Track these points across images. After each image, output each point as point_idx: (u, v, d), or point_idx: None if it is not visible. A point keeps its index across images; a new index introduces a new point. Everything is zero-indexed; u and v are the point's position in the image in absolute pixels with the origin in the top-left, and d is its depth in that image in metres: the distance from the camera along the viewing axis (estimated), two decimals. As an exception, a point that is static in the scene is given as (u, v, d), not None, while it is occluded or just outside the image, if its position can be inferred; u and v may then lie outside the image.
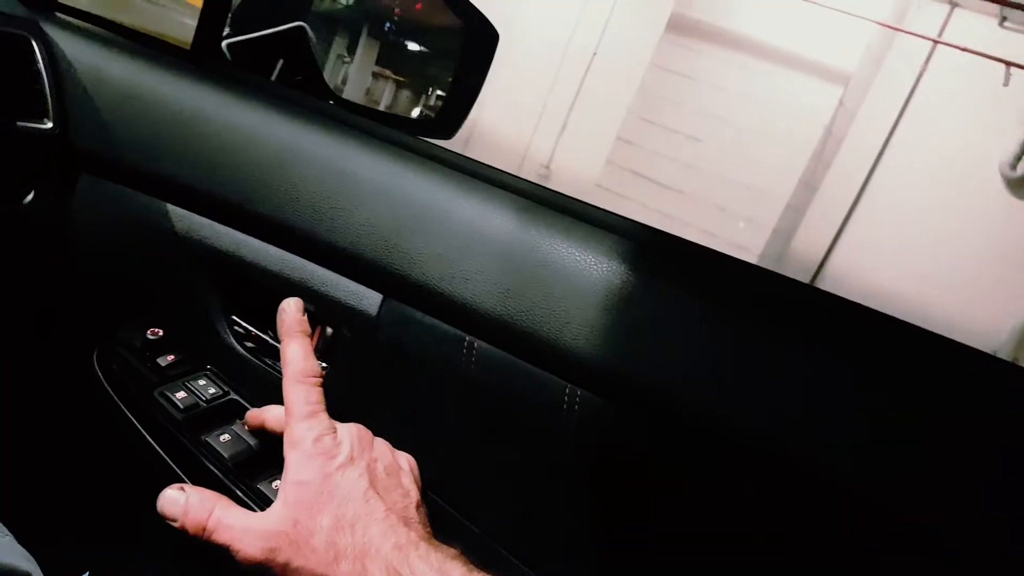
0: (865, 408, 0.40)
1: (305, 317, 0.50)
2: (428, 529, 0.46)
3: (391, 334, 0.52)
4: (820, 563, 0.42)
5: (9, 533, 0.43)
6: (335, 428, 0.47)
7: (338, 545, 0.41)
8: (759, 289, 0.45)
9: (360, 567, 0.41)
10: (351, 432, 0.48)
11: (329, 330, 0.57)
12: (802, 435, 0.40)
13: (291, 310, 0.49)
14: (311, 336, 0.50)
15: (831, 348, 0.41)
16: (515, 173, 0.54)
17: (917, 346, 0.42)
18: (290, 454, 0.45)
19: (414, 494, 0.48)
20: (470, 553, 0.43)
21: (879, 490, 0.39)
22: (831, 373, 0.41)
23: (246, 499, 0.50)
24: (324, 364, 0.57)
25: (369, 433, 0.49)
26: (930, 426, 0.38)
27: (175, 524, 0.44)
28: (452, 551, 0.43)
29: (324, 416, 0.47)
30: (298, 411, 0.46)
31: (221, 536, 0.43)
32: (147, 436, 0.54)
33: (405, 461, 0.50)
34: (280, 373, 0.56)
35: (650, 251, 0.46)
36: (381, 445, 0.49)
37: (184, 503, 0.44)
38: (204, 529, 0.43)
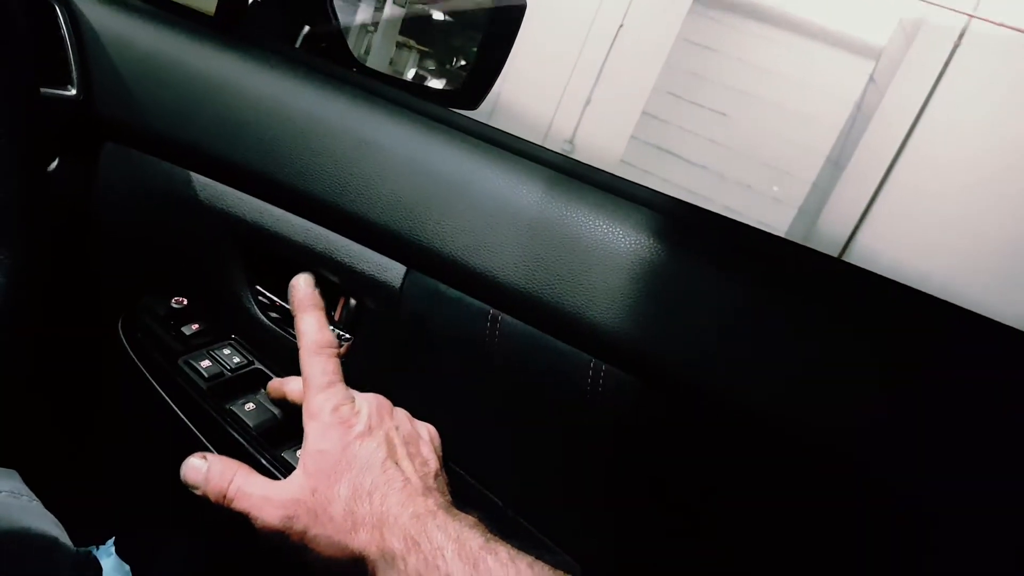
0: (900, 387, 0.39)
1: (317, 291, 0.51)
2: (448, 498, 0.46)
3: (415, 306, 0.52)
4: (842, 541, 0.41)
5: (37, 499, 0.43)
6: (353, 398, 0.47)
7: (356, 514, 0.42)
8: (792, 264, 0.44)
9: (378, 536, 0.41)
10: (370, 402, 0.48)
11: (352, 302, 0.56)
12: (835, 414, 0.39)
13: (302, 285, 0.51)
14: (325, 309, 0.50)
15: (868, 326, 0.40)
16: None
17: (953, 323, 0.40)
18: (309, 424, 0.46)
19: (433, 463, 0.48)
20: (491, 524, 0.43)
21: (913, 475, 0.38)
22: (867, 352, 0.39)
23: (271, 467, 0.50)
24: (348, 336, 0.56)
25: (388, 403, 0.49)
26: (967, 406, 0.37)
27: (197, 491, 0.45)
28: (471, 519, 0.42)
29: (341, 386, 0.47)
30: (316, 382, 0.47)
31: (241, 504, 0.43)
32: (172, 404, 0.55)
33: (425, 430, 0.50)
34: (304, 344, 0.57)
35: (680, 225, 0.45)
36: (400, 414, 0.49)
37: (206, 471, 0.45)
38: (224, 497, 0.44)
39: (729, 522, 0.45)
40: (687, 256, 0.44)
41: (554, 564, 0.40)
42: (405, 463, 0.45)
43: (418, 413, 0.53)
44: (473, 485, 0.52)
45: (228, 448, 0.52)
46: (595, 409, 0.46)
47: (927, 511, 0.39)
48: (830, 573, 0.43)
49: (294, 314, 0.50)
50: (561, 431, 0.49)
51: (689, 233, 0.45)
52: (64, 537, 0.42)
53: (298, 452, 0.51)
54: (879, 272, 0.42)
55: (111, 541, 0.68)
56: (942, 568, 0.39)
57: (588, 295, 0.44)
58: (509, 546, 0.40)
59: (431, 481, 0.46)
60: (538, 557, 0.40)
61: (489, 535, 0.41)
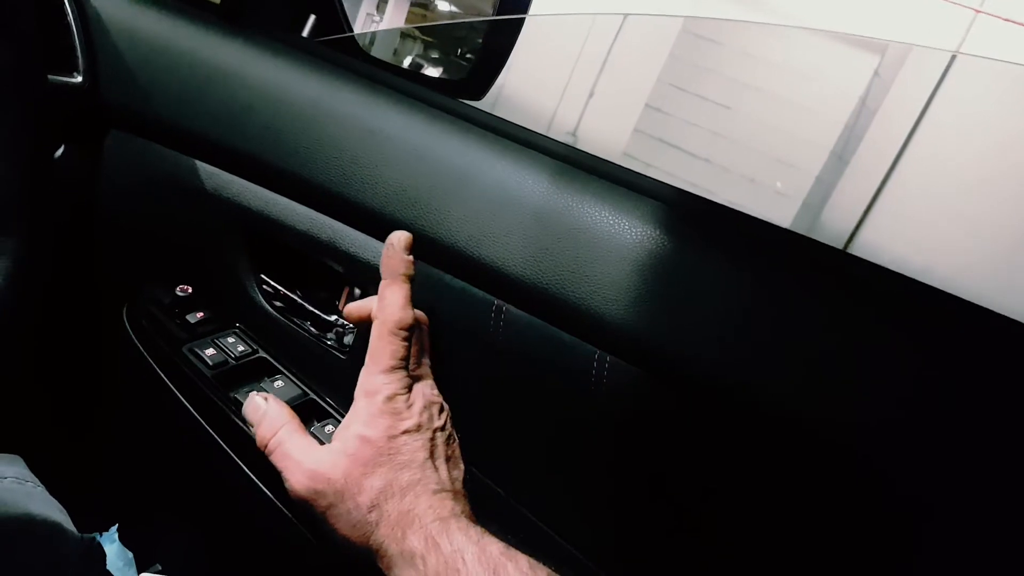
0: (906, 381, 0.38)
1: (412, 258, 0.47)
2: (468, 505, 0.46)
3: (419, 296, 0.52)
4: (842, 536, 0.41)
5: (41, 484, 0.43)
6: (410, 388, 0.46)
7: (383, 508, 0.41)
8: (798, 256, 0.44)
9: (400, 533, 0.41)
10: (424, 397, 0.47)
11: (357, 291, 0.56)
12: (840, 408, 0.39)
13: (398, 246, 0.47)
14: (411, 281, 0.47)
15: (871, 317, 0.40)
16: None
17: (959, 317, 0.40)
18: (361, 402, 0.45)
19: (462, 467, 0.47)
20: (499, 518, 0.43)
21: (919, 469, 0.38)
22: (872, 344, 0.39)
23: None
24: (352, 326, 0.56)
25: (440, 400, 0.48)
26: (972, 400, 0.37)
27: (253, 431, 0.46)
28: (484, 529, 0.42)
29: (403, 374, 0.46)
30: (382, 362, 0.45)
31: (277, 459, 0.44)
32: (176, 392, 0.55)
33: (455, 434, 0.50)
34: (308, 333, 0.57)
35: (686, 216, 0.45)
36: (447, 416, 0.49)
37: (262, 413, 0.46)
38: (266, 447, 0.45)
39: (731, 517, 0.45)
40: (693, 248, 0.43)
41: None
42: (442, 466, 0.45)
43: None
44: (480, 478, 0.52)
45: (232, 436, 0.52)
46: (600, 401, 0.46)
47: (929, 508, 0.38)
48: (831, 569, 0.43)
49: (383, 277, 0.47)
50: (566, 423, 0.49)
51: (695, 224, 0.45)
52: (68, 523, 0.42)
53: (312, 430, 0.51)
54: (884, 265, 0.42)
55: (115, 528, 0.68)
56: (943, 566, 0.39)
57: (593, 286, 0.44)
58: (529, 557, 0.40)
59: (461, 486, 0.46)
60: (555, 570, 0.40)
61: (509, 545, 0.41)
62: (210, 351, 0.55)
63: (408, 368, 0.46)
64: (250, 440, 0.50)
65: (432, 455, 0.45)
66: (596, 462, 0.49)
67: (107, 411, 0.67)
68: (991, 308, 0.39)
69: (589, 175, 0.48)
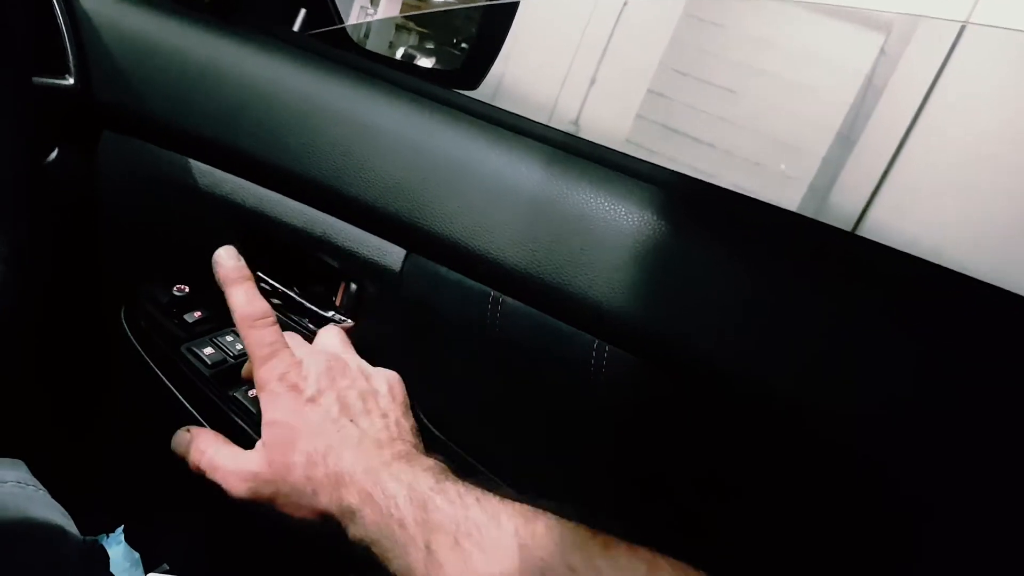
0: (913, 366, 0.37)
1: (242, 262, 0.49)
2: (412, 443, 0.46)
3: (415, 290, 0.51)
4: (849, 529, 0.41)
5: (43, 488, 0.43)
6: (299, 362, 0.47)
7: (314, 478, 0.42)
8: (802, 239, 0.43)
9: (337, 495, 0.42)
10: (319, 363, 0.48)
11: (353, 286, 0.56)
12: (843, 399, 0.38)
13: (225, 259, 0.49)
14: (252, 279, 0.49)
15: (878, 304, 0.39)
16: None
17: (972, 296, 0.39)
18: (260, 397, 0.46)
19: (394, 414, 0.48)
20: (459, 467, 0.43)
21: (923, 457, 0.37)
22: (877, 332, 0.38)
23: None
24: (350, 321, 0.56)
25: (342, 360, 0.49)
26: (984, 391, 0.36)
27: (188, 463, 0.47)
28: (429, 462, 0.43)
29: (285, 353, 0.47)
30: (258, 354, 0.47)
31: (213, 475, 0.45)
32: (175, 391, 0.55)
33: (383, 383, 0.50)
34: (308, 330, 0.56)
35: (686, 201, 0.44)
36: (355, 371, 0.49)
37: (188, 440, 0.47)
38: (199, 468, 0.46)
39: (731, 509, 0.45)
40: (693, 233, 0.43)
41: (501, 496, 0.41)
42: (362, 419, 0.46)
43: (420, 397, 0.52)
44: (481, 470, 0.52)
45: (232, 434, 0.52)
46: (599, 391, 0.45)
47: (931, 507, 0.38)
48: (830, 559, 0.42)
49: (223, 290, 0.48)
50: (564, 413, 0.48)
51: (694, 210, 0.44)
52: (70, 526, 0.42)
53: None
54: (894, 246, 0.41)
55: (120, 529, 0.68)
56: (945, 564, 0.38)
57: (591, 275, 0.44)
58: (460, 484, 0.41)
59: (388, 434, 0.46)
60: (487, 491, 0.41)
61: (442, 477, 0.42)
62: (208, 350, 0.55)
63: (287, 345, 0.47)
64: (250, 439, 0.50)
65: (345, 412, 0.45)
66: (595, 452, 0.48)
67: (107, 411, 0.67)
68: (1004, 286, 0.38)
69: (586, 162, 0.47)
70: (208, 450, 0.46)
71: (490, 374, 0.50)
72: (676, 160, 3.58)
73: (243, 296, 0.48)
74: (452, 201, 0.48)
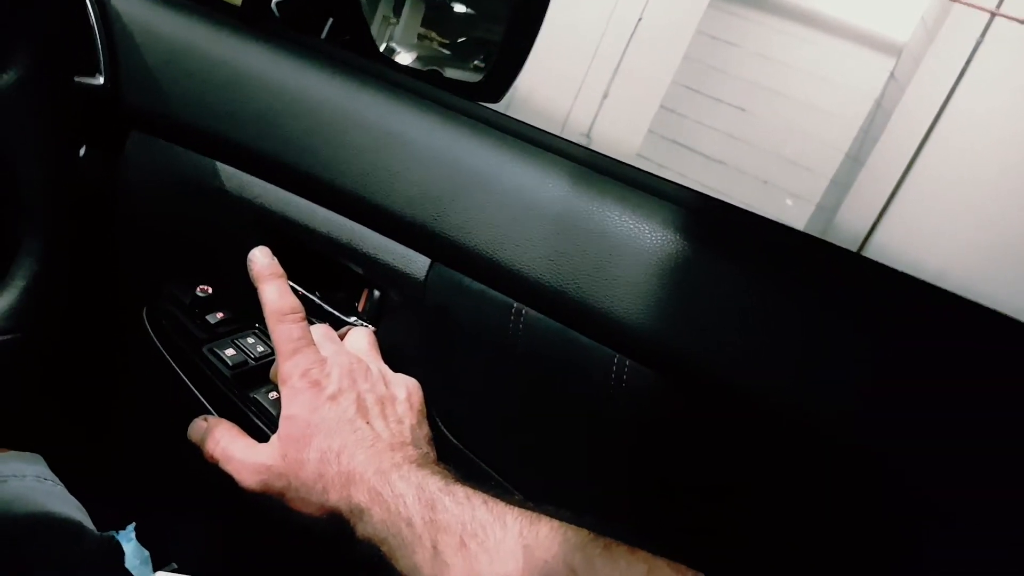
0: (917, 386, 0.38)
1: (275, 261, 0.51)
2: (425, 451, 0.47)
3: (439, 299, 0.52)
4: (868, 540, 0.41)
5: (61, 483, 0.44)
6: (323, 360, 0.48)
7: (326, 476, 0.43)
8: (816, 260, 0.44)
9: (346, 494, 0.42)
10: (342, 364, 0.48)
11: (376, 293, 0.56)
12: (862, 416, 0.39)
13: (259, 257, 0.50)
14: (286, 276, 0.51)
15: (888, 324, 0.40)
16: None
17: (972, 320, 0.40)
18: (282, 390, 0.47)
19: (409, 420, 0.49)
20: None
21: (938, 474, 0.38)
22: (889, 351, 0.39)
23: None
24: (372, 327, 0.57)
25: (364, 363, 0.50)
26: (986, 407, 0.37)
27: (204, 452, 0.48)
28: (438, 468, 0.44)
29: (311, 350, 0.48)
30: (284, 349, 0.47)
31: (225, 466, 0.46)
32: (196, 391, 0.55)
33: (403, 389, 0.51)
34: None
35: (706, 221, 0.45)
36: (376, 375, 0.50)
37: (204, 430, 0.48)
38: (213, 457, 0.47)
39: (749, 520, 0.45)
40: (712, 252, 0.43)
41: (509, 503, 0.41)
42: (378, 422, 0.47)
43: (439, 404, 0.53)
44: (498, 479, 0.52)
45: (253, 435, 0.52)
46: (618, 404, 0.46)
47: (935, 506, 0.38)
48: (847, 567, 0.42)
49: (256, 286, 0.50)
50: (584, 426, 0.49)
51: (713, 229, 0.45)
52: (88, 521, 0.42)
53: None
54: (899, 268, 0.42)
55: (131, 526, 0.69)
56: (947, 564, 0.39)
57: (613, 290, 0.44)
58: (468, 487, 0.42)
59: (402, 438, 0.47)
60: (494, 496, 0.42)
61: (452, 479, 0.42)
62: (230, 351, 0.55)
63: (314, 343, 0.49)
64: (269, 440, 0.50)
65: (361, 414, 0.46)
66: (614, 465, 0.49)
67: (126, 410, 0.67)
68: (1005, 311, 0.39)
69: (608, 179, 0.48)
70: (223, 440, 0.47)
71: (510, 384, 0.51)
72: (686, 176, 3.59)
73: (275, 291, 0.49)
74: (477, 212, 0.49)
